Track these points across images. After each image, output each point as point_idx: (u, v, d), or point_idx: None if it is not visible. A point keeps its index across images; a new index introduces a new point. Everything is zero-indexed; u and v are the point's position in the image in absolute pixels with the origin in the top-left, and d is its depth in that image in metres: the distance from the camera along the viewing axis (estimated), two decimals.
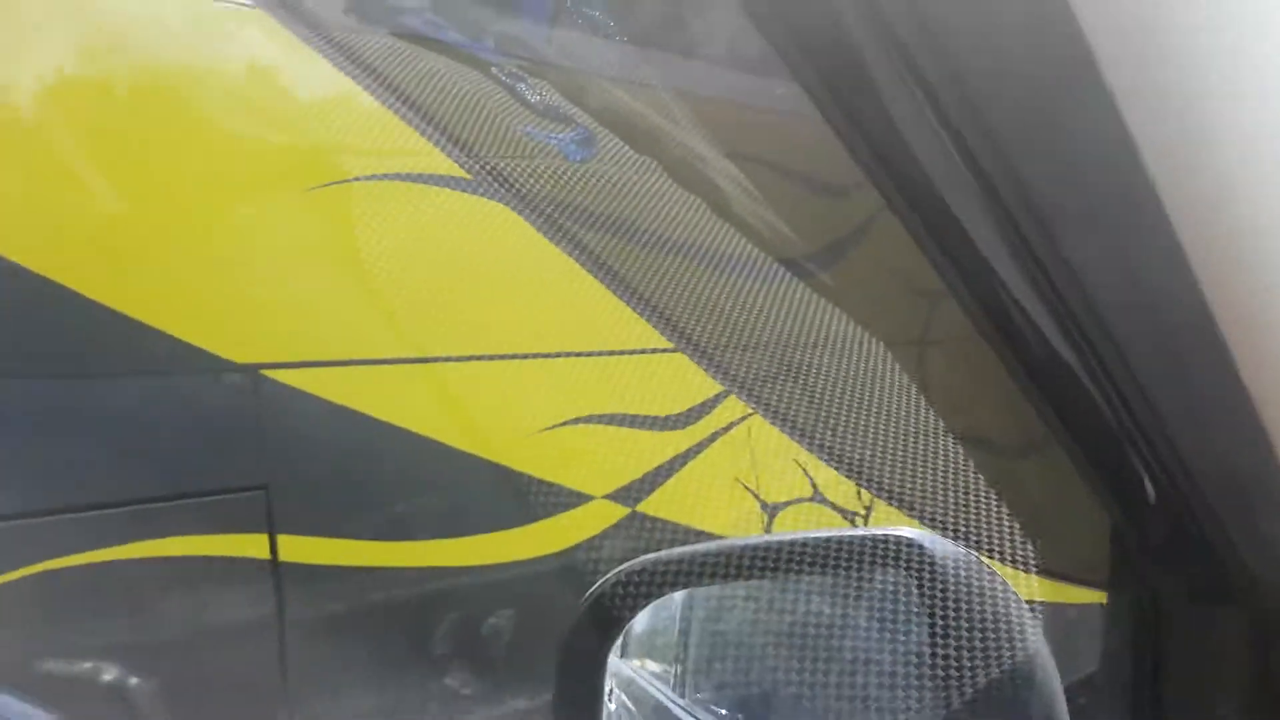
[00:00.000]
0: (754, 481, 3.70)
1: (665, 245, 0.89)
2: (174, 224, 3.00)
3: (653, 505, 3.61)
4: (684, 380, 3.56)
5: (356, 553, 3.10)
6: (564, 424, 3.47)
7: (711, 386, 3.47)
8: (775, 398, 0.86)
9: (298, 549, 3.00)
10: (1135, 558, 0.80)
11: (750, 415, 3.51)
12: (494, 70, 1.09)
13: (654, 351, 3.09)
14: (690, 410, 3.70)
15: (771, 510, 3.68)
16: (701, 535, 3.62)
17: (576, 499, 3.45)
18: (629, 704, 1.78)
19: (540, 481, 3.41)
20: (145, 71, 3.03)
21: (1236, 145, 0.57)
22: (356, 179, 3.21)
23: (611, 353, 3.39)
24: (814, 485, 3.47)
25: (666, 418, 3.67)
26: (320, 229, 3.19)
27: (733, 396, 3.42)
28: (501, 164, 0.99)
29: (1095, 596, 0.83)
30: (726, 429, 3.74)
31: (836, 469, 0.88)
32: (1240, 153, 0.57)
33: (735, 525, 3.60)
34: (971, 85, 0.55)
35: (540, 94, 1.07)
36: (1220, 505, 0.73)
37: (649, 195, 0.91)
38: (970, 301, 0.68)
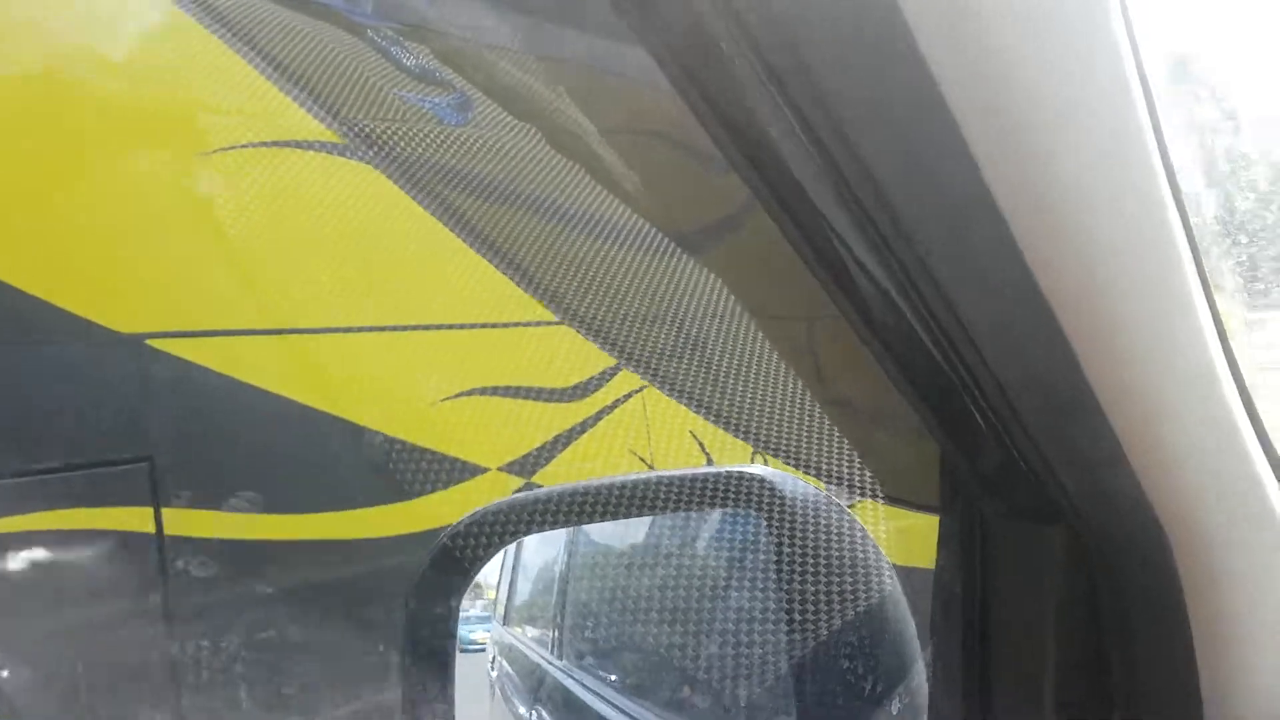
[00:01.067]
0: (649, 452, 3.72)
1: (546, 214, 0.87)
2: (54, 190, 2.91)
3: (548, 477, 3.60)
4: (580, 352, 3.56)
5: (246, 526, 3.04)
6: (459, 396, 3.46)
7: (608, 358, 3.45)
8: (667, 368, 0.85)
9: (183, 522, 2.93)
10: (965, 483, 0.82)
11: (646, 387, 3.54)
12: (370, 34, 1.06)
13: (550, 324, 3.08)
14: (586, 382, 3.71)
15: None
16: None
17: (471, 471, 3.43)
18: (510, 670, 1.78)
19: (435, 454, 3.39)
20: (19, 33, 2.92)
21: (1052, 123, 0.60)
22: (247, 145, 3.13)
23: (508, 324, 3.40)
24: (708, 455, 3.49)
25: (562, 389, 3.68)
26: (210, 195, 3.12)
27: (626, 370, 3.37)
28: (374, 127, 0.97)
29: (930, 519, 0.85)
30: (622, 400, 3.75)
31: (719, 424, 0.88)
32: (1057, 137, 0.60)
33: None
34: (815, 73, 0.57)
35: (417, 58, 1.04)
36: (1041, 435, 0.77)
37: (528, 163, 0.89)
38: (819, 269, 0.71)
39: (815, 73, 0.57)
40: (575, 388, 3.68)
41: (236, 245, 3.05)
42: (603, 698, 1.39)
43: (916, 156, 0.61)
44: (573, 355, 3.59)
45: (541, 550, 1.66)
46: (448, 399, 3.45)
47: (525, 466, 3.55)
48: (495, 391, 3.54)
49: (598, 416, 3.72)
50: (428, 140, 0.95)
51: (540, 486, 3.44)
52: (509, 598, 1.77)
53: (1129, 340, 0.69)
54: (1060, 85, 0.60)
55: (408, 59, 1.04)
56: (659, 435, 3.74)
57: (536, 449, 3.60)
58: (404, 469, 3.32)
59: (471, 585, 1.08)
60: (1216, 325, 0.79)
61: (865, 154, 0.60)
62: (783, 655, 1.00)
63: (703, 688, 1.14)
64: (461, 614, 1.78)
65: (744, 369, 0.81)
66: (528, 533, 1.11)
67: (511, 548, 1.71)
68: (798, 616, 0.97)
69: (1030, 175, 0.61)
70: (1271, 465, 0.88)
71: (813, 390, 0.82)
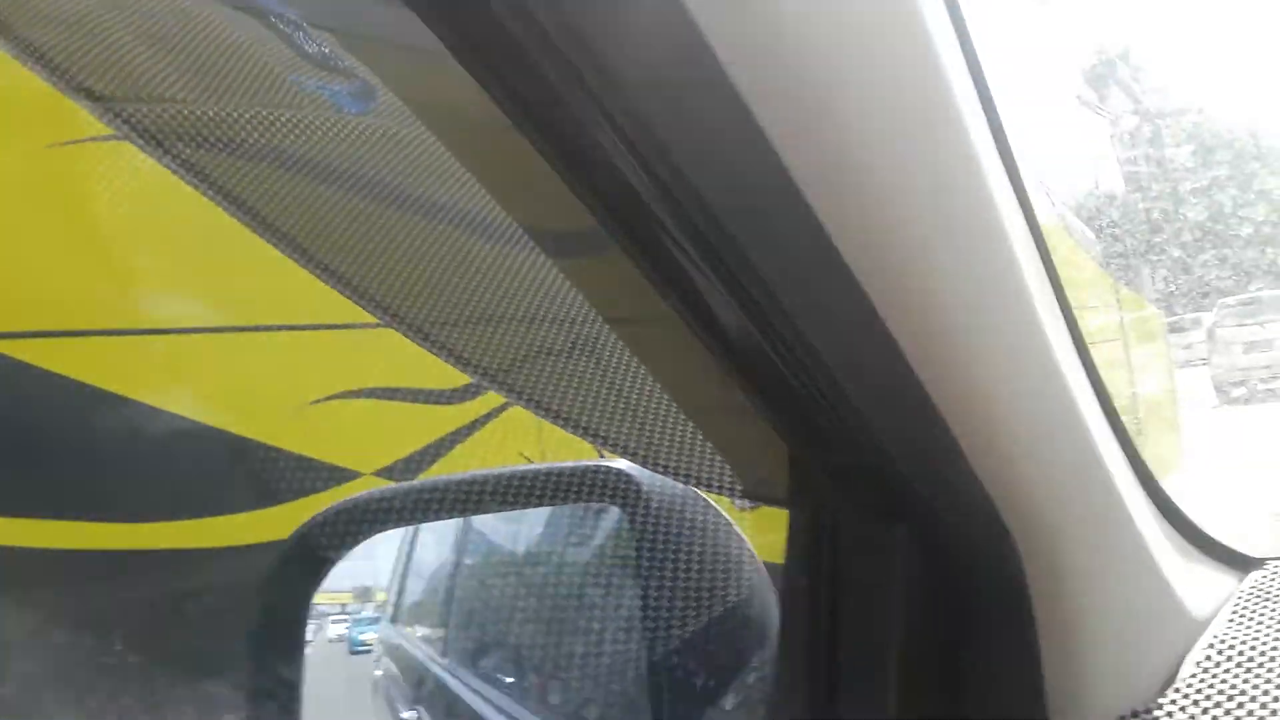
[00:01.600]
0: (541, 456, 3.48)
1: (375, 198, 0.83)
2: None
3: None
4: None
5: (99, 535, 2.93)
6: (331, 398, 3.33)
7: None
8: (515, 375, 0.83)
9: (14, 532, 2.82)
10: (812, 479, 0.82)
11: None
12: (273, 20, 1.03)
13: None
14: (472, 384, 3.46)
15: None
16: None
17: (343, 476, 3.25)
18: (395, 668, 1.76)
19: (303, 459, 3.22)
20: None
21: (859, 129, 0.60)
22: (102, 138, 2.97)
23: (375, 325, 3.22)
24: (603, 456, 3.40)
25: (447, 391, 3.54)
26: (63, 188, 2.97)
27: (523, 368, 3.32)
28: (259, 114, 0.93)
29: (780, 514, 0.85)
30: (510, 403, 3.55)
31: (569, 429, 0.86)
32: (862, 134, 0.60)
33: None
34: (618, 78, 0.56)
35: (319, 45, 1.01)
36: (882, 436, 0.77)
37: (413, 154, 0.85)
38: (655, 276, 0.70)
39: (627, 83, 0.56)
40: (463, 389, 3.52)
41: (90, 241, 2.92)
42: (482, 696, 1.37)
43: (732, 170, 0.60)
44: None
45: (434, 549, 1.64)
46: (318, 402, 3.29)
47: (403, 471, 3.36)
48: (372, 394, 3.39)
49: (487, 418, 3.56)
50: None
51: None
52: (399, 597, 1.75)
53: (960, 341, 0.70)
54: (874, 77, 0.60)
55: (309, 46, 1.01)
56: (552, 437, 3.54)
57: (417, 453, 3.45)
58: (269, 475, 3.15)
59: (328, 579, 1.06)
60: (1068, 326, 0.80)
61: (680, 163, 0.60)
62: (645, 651, 0.99)
63: (569, 685, 1.14)
64: (355, 616, 1.76)
65: (591, 369, 0.80)
66: (386, 528, 1.09)
67: (405, 546, 1.70)
68: (655, 612, 0.96)
69: (847, 177, 0.61)
70: (1130, 465, 0.89)
71: (664, 390, 0.81)
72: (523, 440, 3.50)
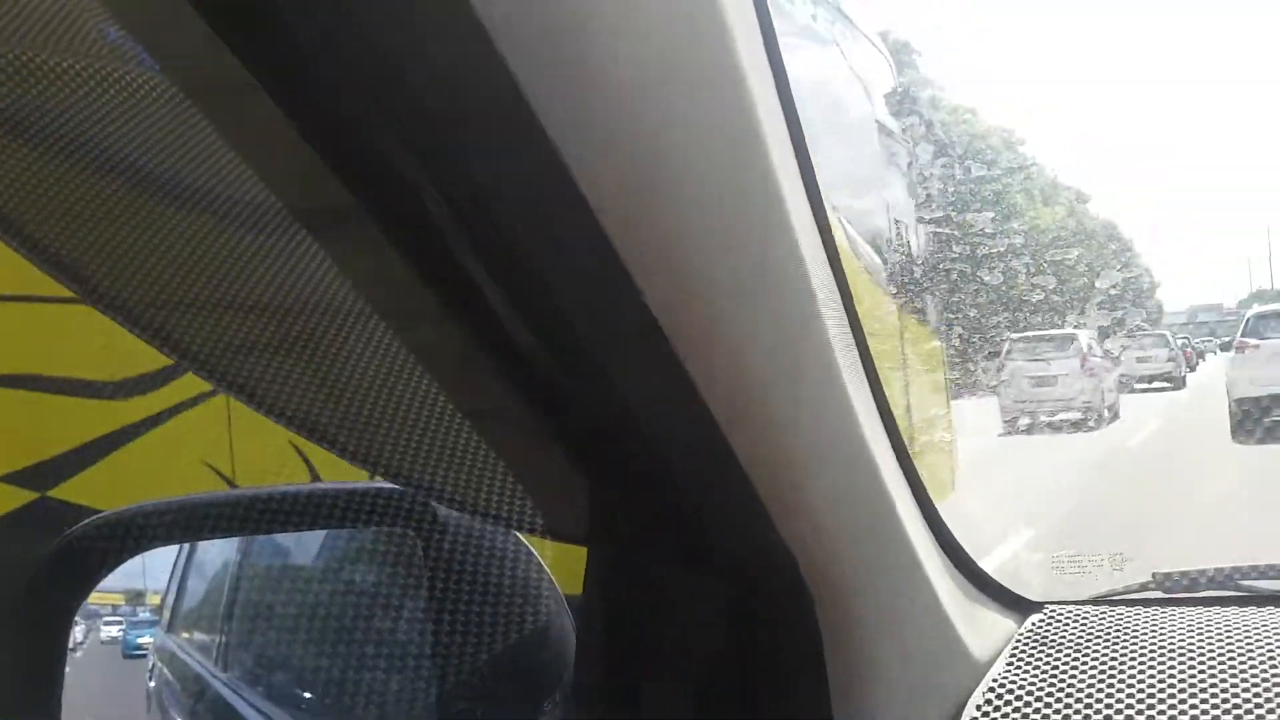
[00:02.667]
0: (230, 467, 3.06)
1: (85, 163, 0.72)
2: None
3: (75, 489, 2.85)
4: (135, 339, 2.94)
5: None
6: None
7: None
8: (240, 369, 0.73)
9: None
10: (614, 520, 0.80)
11: None
12: None
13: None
14: (146, 375, 2.95)
15: None
16: None
17: None
18: (170, 677, 1.66)
19: None
20: None
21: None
22: None
23: (28, 298, 2.67)
24: (314, 471, 2.92)
25: (106, 383, 2.93)
26: None
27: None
28: None
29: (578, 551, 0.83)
30: (199, 400, 3.02)
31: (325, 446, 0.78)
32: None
33: None
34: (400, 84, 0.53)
35: None
36: (689, 485, 0.76)
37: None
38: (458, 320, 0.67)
39: (417, 91, 0.53)
40: (127, 382, 2.90)
41: None
42: (261, 713, 1.31)
43: (535, 206, 0.58)
44: (125, 342, 2.84)
45: (215, 554, 1.55)
46: None
47: (40, 477, 2.82)
48: (8, 382, 2.81)
49: (158, 419, 2.96)
50: None
51: (61, 502, 2.84)
52: (175, 603, 1.65)
53: (762, 394, 0.69)
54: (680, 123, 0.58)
55: None
56: (248, 446, 3.00)
57: (60, 455, 2.86)
58: None
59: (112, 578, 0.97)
60: (869, 379, 0.81)
61: (478, 187, 0.57)
62: (429, 679, 0.96)
63: (352, 712, 1.09)
64: (130, 618, 1.65)
65: (381, 401, 0.74)
66: (163, 543, 1.03)
67: (184, 550, 1.60)
68: (448, 639, 0.93)
69: (645, 207, 0.59)
70: (920, 510, 0.91)
71: (463, 422, 0.77)
72: (208, 446, 3.00)
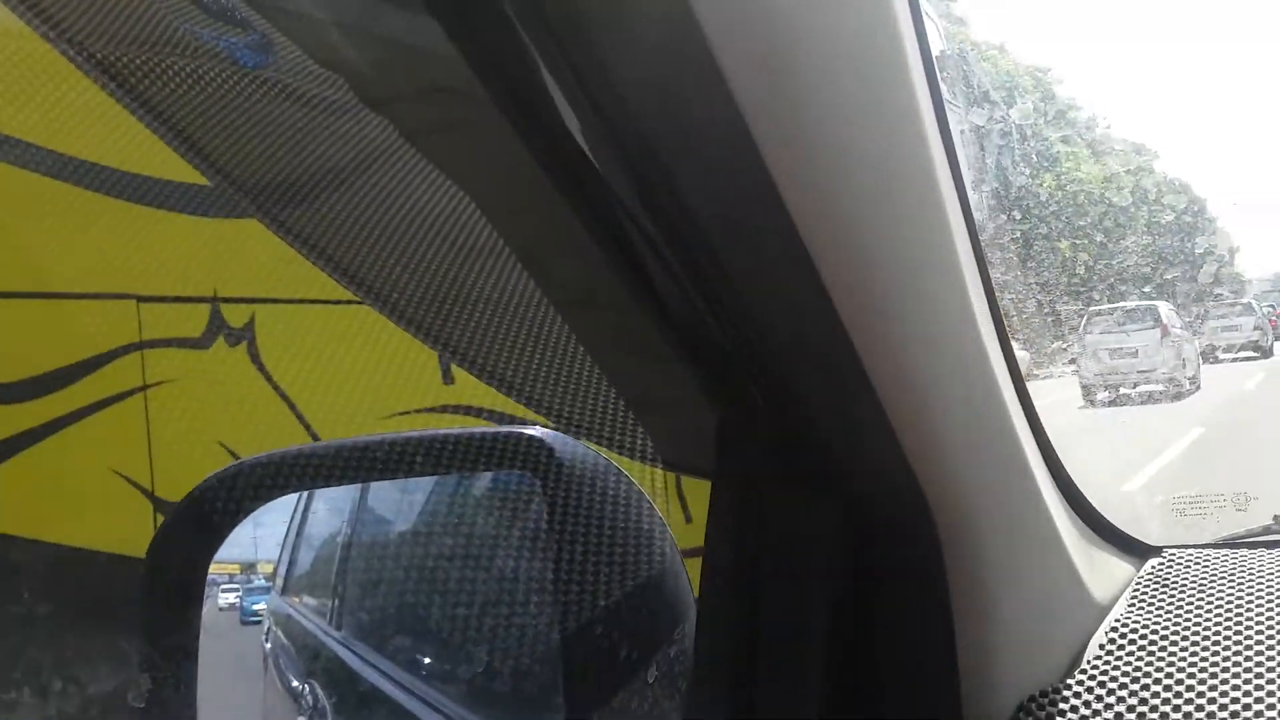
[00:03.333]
0: (149, 475, 2.70)
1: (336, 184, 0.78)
2: None
3: None
4: (34, 336, 2.60)
5: None
6: None
7: (91, 345, 2.63)
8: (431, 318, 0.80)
9: None
10: (740, 449, 0.81)
11: (156, 386, 2.69)
12: None
13: None
14: (41, 377, 2.62)
15: (169, 508, 2.53)
16: (37, 546, 2.54)
17: None
18: (284, 639, 1.70)
19: None
20: None
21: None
22: None
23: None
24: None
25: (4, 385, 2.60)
26: None
27: (125, 360, 2.58)
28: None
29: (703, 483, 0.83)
30: (106, 403, 2.68)
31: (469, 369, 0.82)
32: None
33: (106, 530, 2.57)
34: (611, 72, 0.57)
35: None
36: (815, 408, 0.78)
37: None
38: (601, 242, 0.71)
39: (615, 75, 0.57)
40: (32, 382, 2.59)
41: None
42: (378, 669, 1.34)
43: (712, 156, 0.61)
44: (21, 340, 2.54)
45: (326, 518, 1.59)
46: None
47: None
48: None
49: (55, 425, 2.60)
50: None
51: None
52: (289, 566, 1.69)
53: (899, 326, 0.70)
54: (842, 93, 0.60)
55: None
56: (171, 450, 2.69)
57: None
58: None
59: (226, 547, 1.00)
60: (994, 318, 0.81)
61: (656, 147, 0.60)
62: (552, 623, 0.97)
63: (474, 659, 1.11)
64: (245, 583, 1.70)
65: (518, 329, 0.78)
66: (287, 491, 1.05)
67: (297, 514, 1.64)
68: (568, 583, 0.94)
69: (811, 171, 0.61)
70: (1041, 454, 0.91)
71: (589, 353, 0.79)
72: (121, 453, 2.66)
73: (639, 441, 0.85)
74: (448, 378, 2.88)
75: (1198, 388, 14.54)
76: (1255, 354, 18.82)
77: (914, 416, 0.74)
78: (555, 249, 0.72)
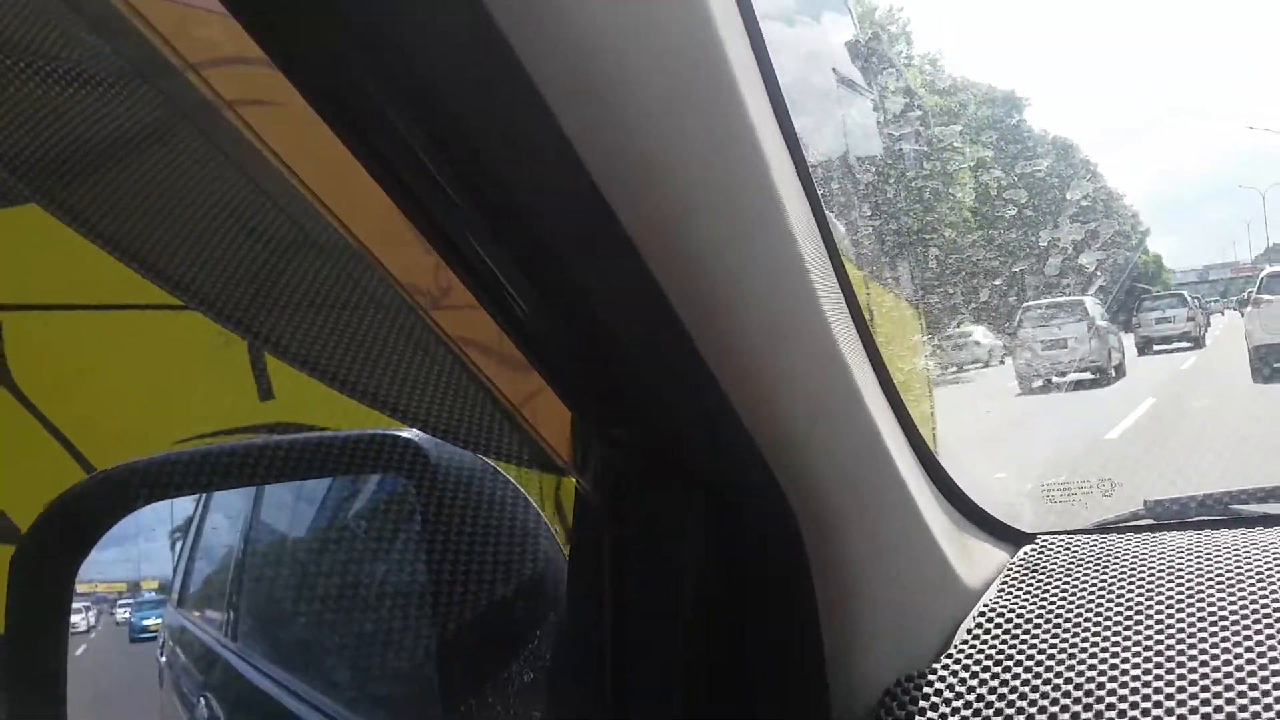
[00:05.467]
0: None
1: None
2: None
3: None
4: None
5: None
6: None
7: None
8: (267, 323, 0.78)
9: None
10: (601, 448, 0.81)
11: None
12: None
13: None
14: None
15: None
16: None
17: None
18: (180, 652, 1.68)
19: None
20: None
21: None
22: None
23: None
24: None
25: None
26: None
27: None
28: None
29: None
30: None
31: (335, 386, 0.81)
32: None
33: None
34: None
35: None
36: (670, 407, 0.78)
37: None
38: (444, 252, 0.70)
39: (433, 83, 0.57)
40: None
41: None
42: (271, 678, 1.32)
43: (530, 157, 0.61)
44: None
45: (221, 530, 1.57)
46: None
47: None
48: None
49: None
50: None
51: None
52: (184, 579, 1.66)
53: (739, 314, 0.71)
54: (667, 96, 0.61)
55: None
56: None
57: None
58: None
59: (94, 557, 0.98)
60: (849, 304, 0.82)
61: (476, 147, 0.60)
62: (431, 626, 0.97)
63: (356, 663, 1.10)
64: (137, 598, 1.66)
65: (369, 332, 0.77)
66: (159, 497, 1.03)
67: (192, 527, 1.62)
68: (447, 585, 0.94)
69: (631, 170, 0.61)
70: (909, 443, 0.92)
71: (449, 356, 0.79)
72: None
73: (504, 441, 0.85)
74: (266, 394, 2.57)
75: (1123, 375, 15.36)
76: (1189, 345, 19.34)
77: (764, 410, 0.75)
78: (394, 243, 0.71)
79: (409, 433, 0.94)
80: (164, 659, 1.69)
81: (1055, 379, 14.54)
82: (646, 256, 0.64)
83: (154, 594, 1.65)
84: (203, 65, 0.67)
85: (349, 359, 0.78)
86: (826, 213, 0.79)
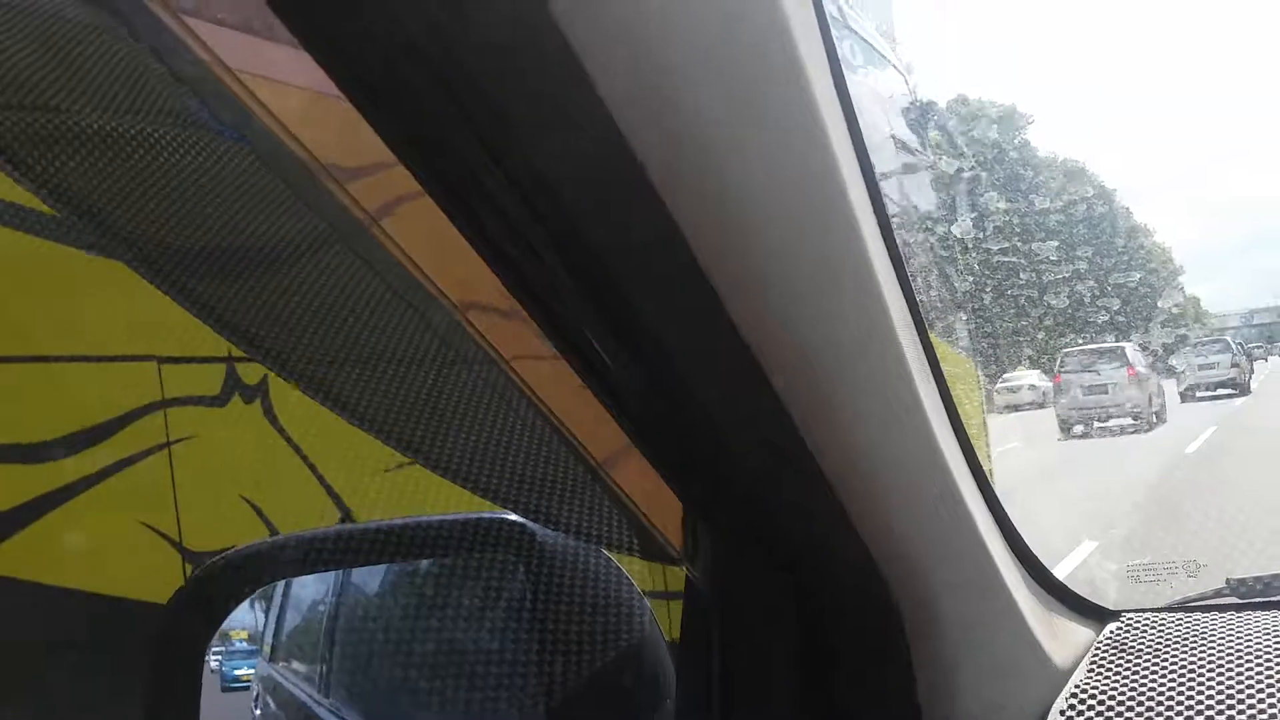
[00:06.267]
0: (175, 524, 2.82)
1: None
2: None
3: None
4: (64, 398, 2.72)
5: None
6: None
7: (117, 405, 2.78)
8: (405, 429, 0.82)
9: None
10: (709, 539, 0.84)
11: (179, 441, 2.84)
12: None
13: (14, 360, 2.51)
14: (71, 436, 2.74)
15: (195, 557, 2.79)
16: (73, 595, 2.64)
17: None
18: (273, 706, 1.71)
19: None
20: None
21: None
22: None
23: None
24: (270, 525, 2.85)
25: (37, 445, 2.72)
26: None
27: (149, 419, 2.73)
28: None
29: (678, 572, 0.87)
30: (131, 461, 2.82)
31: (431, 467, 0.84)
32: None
33: (137, 578, 2.65)
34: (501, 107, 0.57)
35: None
36: (775, 501, 0.81)
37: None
38: (561, 347, 0.72)
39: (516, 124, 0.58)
40: (50, 444, 2.71)
41: None
42: None
43: (633, 239, 0.63)
44: (49, 400, 2.67)
45: (312, 583, 1.61)
46: None
47: None
48: None
49: (88, 481, 2.73)
50: None
51: None
52: (275, 633, 1.71)
53: (842, 406, 0.73)
54: (756, 152, 0.62)
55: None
56: (197, 503, 2.83)
57: None
58: None
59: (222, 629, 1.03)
60: (940, 391, 0.85)
61: (580, 223, 0.62)
62: (537, 697, 1.00)
63: None
64: (227, 649, 1.71)
65: (488, 428, 0.81)
66: (282, 577, 1.08)
67: (283, 583, 1.66)
68: (551, 657, 0.97)
69: (734, 245, 0.63)
70: (997, 525, 0.95)
71: (564, 450, 0.82)
72: (148, 505, 2.80)
73: (615, 532, 0.88)
74: None
75: (1163, 421, 15.21)
76: (1233, 391, 19.06)
77: (866, 502, 0.78)
78: (521, 355, 0.75)
79: (516, 516, 0.98)
80: (258, 711, 1.73)
81: (1096, 424, 14.52)
82: (761, 360, 0.67)
83: (244, 644, 1.69)
84: (346, 177, 0.71)
85: (491, 467, 0.82)
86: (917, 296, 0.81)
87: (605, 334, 0.70)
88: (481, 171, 0.60)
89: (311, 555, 1.06)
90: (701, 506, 0.84)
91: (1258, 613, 1.05)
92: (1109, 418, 14.62)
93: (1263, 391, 19.41)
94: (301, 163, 0.68)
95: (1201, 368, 19.77)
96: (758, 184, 0.62)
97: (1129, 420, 14.67)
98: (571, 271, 0.66)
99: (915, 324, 0.80)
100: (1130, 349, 15.18)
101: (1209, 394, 19.09)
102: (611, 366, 0.72)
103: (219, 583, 1.01)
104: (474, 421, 0.83)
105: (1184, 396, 19.01)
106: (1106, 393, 14.69)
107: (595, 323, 0.69)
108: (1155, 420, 15.14)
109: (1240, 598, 1.13)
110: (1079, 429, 14.58)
